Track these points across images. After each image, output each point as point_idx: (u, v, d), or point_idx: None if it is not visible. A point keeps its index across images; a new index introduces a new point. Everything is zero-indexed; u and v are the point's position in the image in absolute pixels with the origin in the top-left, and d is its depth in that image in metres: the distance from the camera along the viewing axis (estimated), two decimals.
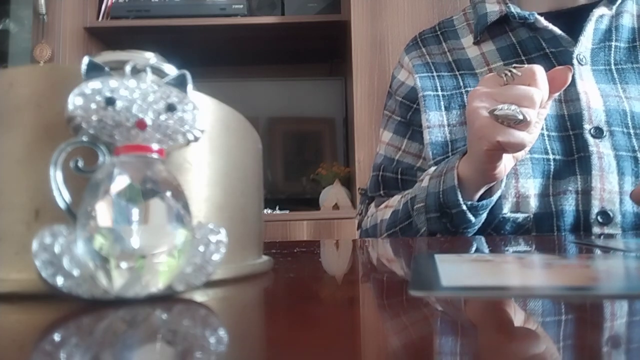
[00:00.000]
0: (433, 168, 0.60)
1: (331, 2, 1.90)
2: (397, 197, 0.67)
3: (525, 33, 0.66)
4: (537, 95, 0.46)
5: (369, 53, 1.69)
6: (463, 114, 0.65)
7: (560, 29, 0.63)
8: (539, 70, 0.47)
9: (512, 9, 0.65)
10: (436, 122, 0.66)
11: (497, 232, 0.58)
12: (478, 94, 0.49)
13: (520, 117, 0.46)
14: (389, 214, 0.65)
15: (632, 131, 0.58)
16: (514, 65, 0.49)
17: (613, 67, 0.62)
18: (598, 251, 0.35)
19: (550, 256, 0.31)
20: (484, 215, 0.56)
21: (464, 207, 0.53)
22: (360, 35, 1.70)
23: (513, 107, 0.46)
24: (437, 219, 0.56)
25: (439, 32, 0.75)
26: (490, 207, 0.55)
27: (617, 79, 0.61)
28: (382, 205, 0.69)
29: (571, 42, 0.62)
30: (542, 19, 0.63)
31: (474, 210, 0.54)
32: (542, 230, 0.57)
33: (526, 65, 0.48)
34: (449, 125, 0.66)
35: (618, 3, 0.64)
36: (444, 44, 0.73)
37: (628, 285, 0.21)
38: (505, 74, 0.48)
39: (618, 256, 0.31)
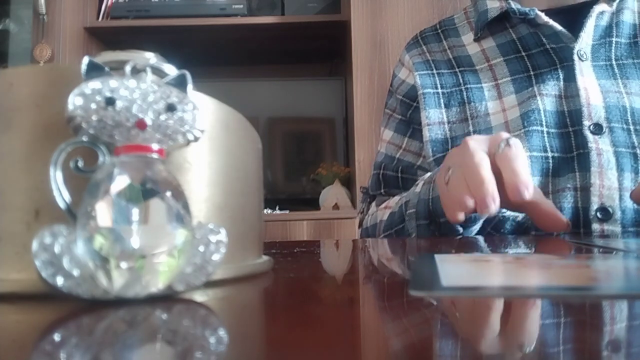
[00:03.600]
0: (429, 174, 0.60)
1: (331, 2, 1.90)
2: (396, 199, 0.67)
3: (526, 29, 0.66)
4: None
5: (369, 53, 1.69)
6: (463, 111, 0.66)
7: (561, 26, 0.63)
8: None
9: (513, 5, 0.65)
10: (436, 120, 0.67)
11: (496, 231, 0.58)
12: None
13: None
14: (387, 215, 0.65)
15: (632, 127, 0.58)
16: None
17: (614, 62, 0.62)
18: (598, 251, 0.35)
19: (550, 256, 0.31)
20: (476, 227, 0.55)
21: None
22: (360, 35, 1.70)
23: None
24: (426, 226, 0.55)
25: (439, 30, 0.75)
26: (481, 220, 0.55)
27: (617, 75, 0.61)
28: (383, 205, 0.69)
29: (572, 38, 0.62)
30: (542, 15, 0.63)
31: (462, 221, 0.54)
32: (540, 229, 0.57)
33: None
34: (448, 122, 0.66)
35: (618, 0, 0.64)
36: (444, 41, 0.73)
37: (628, 286, 0.21)
38: None
39: (618, 256, 0.31)
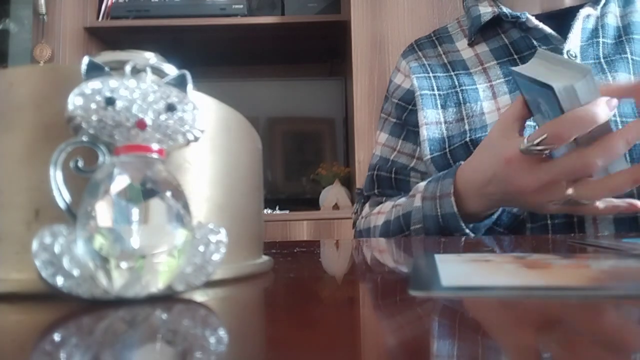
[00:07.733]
0: (423, 184, 0.60)
1: (331, 2, 1.90)
2: (389, 204, 0.68)
3: (517, 33, 0.69)
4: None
5: (369, 53, 1.69)
6: (459, 112, 0.68)
7: (551, 29, 0.65)
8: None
9: (505, 10, 0.69)
10: (433, 120, 0.69)
11: (494, 224, 0.59)
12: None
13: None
14: (381, 221, 0.67)
15: (618, 119, 0.59)
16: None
17: (602, 59, 0.64)
18: (598, 251, 0.35)
19: (550, 256, 0.31)
20: (487, 222, 0.58)
21: (467, 230, 0.55)
22: (360, 35, 1.70)
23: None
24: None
25: (434, 38, 0.79)
26: (490, 223, 0.57)
27: (606, 70, 0.63)
28: (376, 210, 0.70)
29: (561, 39, 0.64)
30: (532, 19, 0.66)
31: (476, 229, 0.56)
32: (536, 220, 0.58)
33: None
34: (445, 122, 0.68)
35: (602, 4, 0.67)
36: (439, 47, 0.77)
37: (628, 285, 0.21)
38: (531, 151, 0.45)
39: (618, 256, 0.31)
